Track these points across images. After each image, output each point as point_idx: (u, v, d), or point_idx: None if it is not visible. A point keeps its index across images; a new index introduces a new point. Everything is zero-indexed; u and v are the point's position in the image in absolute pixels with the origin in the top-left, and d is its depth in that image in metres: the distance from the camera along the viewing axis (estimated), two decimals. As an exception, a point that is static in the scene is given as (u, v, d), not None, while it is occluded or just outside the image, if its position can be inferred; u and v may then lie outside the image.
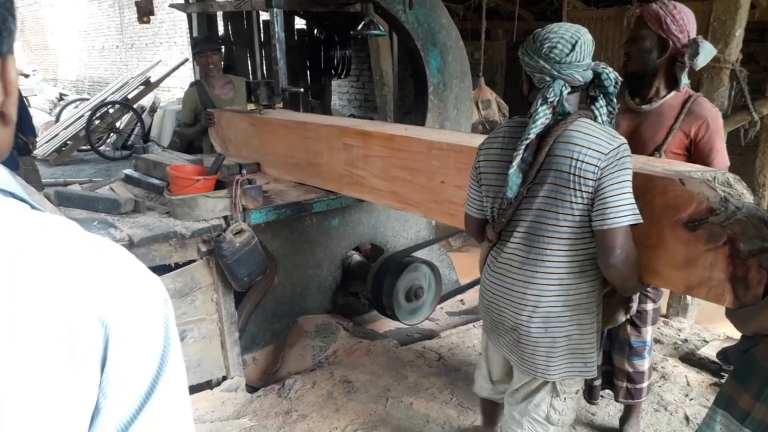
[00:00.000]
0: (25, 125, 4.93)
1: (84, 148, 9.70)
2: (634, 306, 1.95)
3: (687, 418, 2.75)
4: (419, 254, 3.64)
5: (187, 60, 8.93)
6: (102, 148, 9.69)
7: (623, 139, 1.61)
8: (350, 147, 2.92)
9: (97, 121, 9.45)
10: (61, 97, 13.40)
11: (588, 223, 1.61)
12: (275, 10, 3.36)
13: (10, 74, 0.59)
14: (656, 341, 3.46)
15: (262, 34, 5.04)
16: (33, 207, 0.59)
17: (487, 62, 7.00)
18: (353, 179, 2.96)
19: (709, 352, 3.19)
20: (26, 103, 5.23)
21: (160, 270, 2.71)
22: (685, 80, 2.22)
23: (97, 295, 0.56)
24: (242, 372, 3.00)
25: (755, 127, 3.69)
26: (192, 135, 4.41)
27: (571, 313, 1.71)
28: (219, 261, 2.75)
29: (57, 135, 9.94)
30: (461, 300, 4.14)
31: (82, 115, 9.89)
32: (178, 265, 2.76)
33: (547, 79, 1.65)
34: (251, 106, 3.73)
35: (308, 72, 7.01)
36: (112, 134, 9.98)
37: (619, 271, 1.60)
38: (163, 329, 0.61)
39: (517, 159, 1.65)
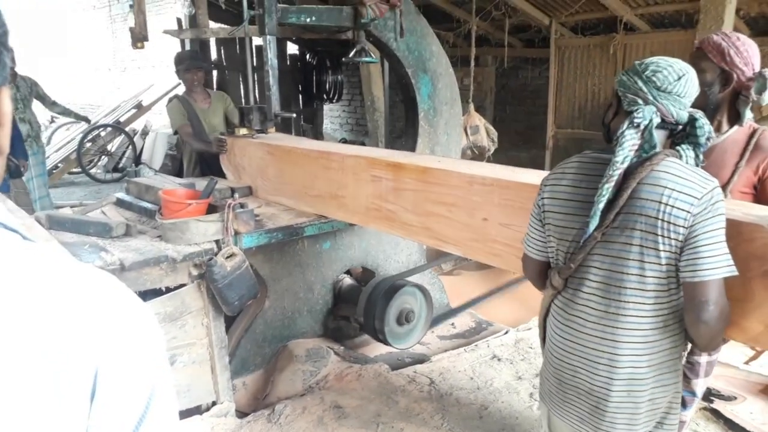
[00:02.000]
0: (16, 148, 4.93)
1: (75, 170, 9.68)
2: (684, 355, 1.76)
3: (677, 443, 2.74)
4: (411, 278, 3.65)
5: (179, 84, 8.98)
6: (93, 170, 9.68)
7: (716, 182, 1.44)
8: (379, 179, 2.73)
9: (88, 144, 9.45)
10: (53, 119, 13.40)
11: (675, 274, 1.45)
12: (268, 36, 3.42)
13: (3, 106, 0.60)
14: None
15: (254, 60, 5.11)
16: (24, 237, 0.59)
17: (477, 88, 7.12)
18: (382, 213, 2.77)
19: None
20: (18, 125, 5.22)
21: (150, 294, 2.71)
22: (748, 115, 2.08)
23: (87, 336, 0.56)
24: (232, 397, 2.98)
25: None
26: (200, 148, 4.30)
27: (654, 373, 1.52)
28: (210, 285, 2.74)
29: (48, 157, 9.91)
30: (452, 324, 4.14)
31: (74, 138, 9.89)
32: (169, 289, 2.75)
33: (640, 102, 1.50)
34: (243, 131, 3.76)
35: (300, 96, 7.10)
36: (103, 157, 9.98)
37: (710, 328, 1.42)
38: (152, 366, 0.62)
39: (605, 194, 1.45)
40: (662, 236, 1.41)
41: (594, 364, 1.54)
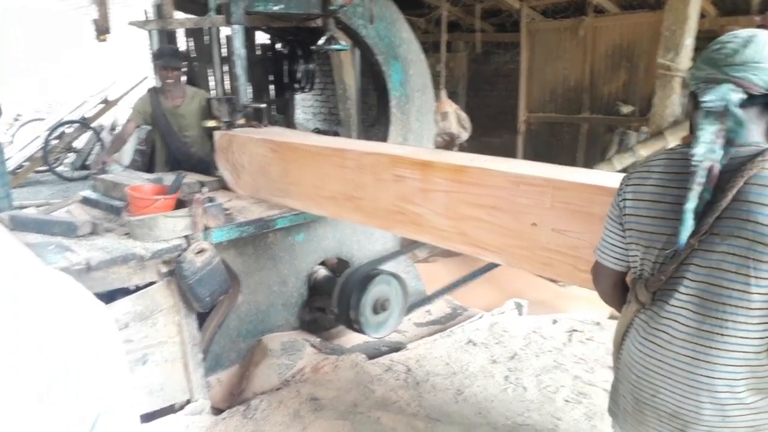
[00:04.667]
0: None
1: (41, 169, 9.46)
2: None
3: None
4: (386, 266, 3.64)
5: (146, 78, 8.80)
6: (59, 168, 9.47)
7: None
8: (403, 179, 2.48)
9: (54, 142, 9.24)
10: (17, 117, 13.07)
11: None
12: (234, 26, 3.35)
13: None
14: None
15: (223, 50, 5.01)
16: None
17: (449, 74, 7.10)
18: (407, 217, 2.52)
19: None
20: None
21: (120, 293, 2.66)
22: None
23: (50, 339, 0.56)
24: (207, 394, 2.95)
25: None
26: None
27: (756, 399, 1.32)
28: (180, 282, 2.70)
29: (11, 157, 9.67)
30: (428, 310, 4.15)
31: (38, 136, 9.66)
32: (138, 288, 2.71)
33: (712, 86, 1.30)
34: (211, 123, 3.70)
35: (272, 86, 7.01)
36: (69, 154, 9.77)
37: None
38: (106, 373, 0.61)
39: (695, 194, 1.26)
40: None
41: (681, 386, 1.36)
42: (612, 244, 1.50)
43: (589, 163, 5.00)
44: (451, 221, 2.35)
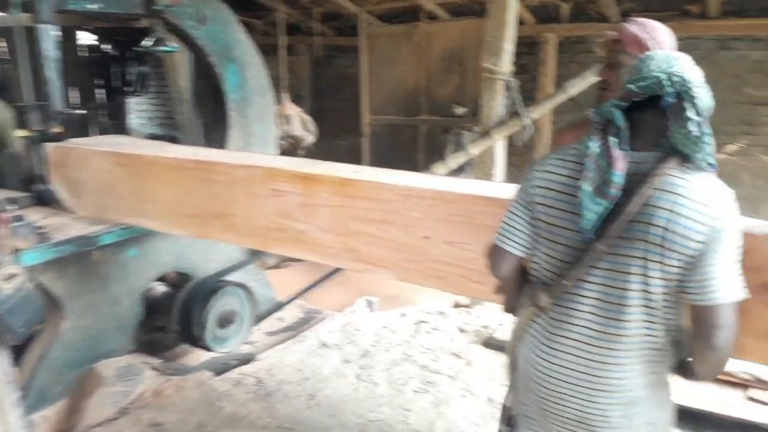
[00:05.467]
0: None
1: None
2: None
3: (490, 400, 2.98)
4: (232, 277, 3.52)
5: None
6: None
7: (730, 191, 1.30)
8: (283, 194, 2.31)
9: None
10: None
11: (677, 291, 1.29)
12: (40, 25, 3.03)
13: None
14: (460, 330, 3.74)
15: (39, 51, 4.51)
16: None
17: (293, 78, 7.05)
18: (288, 234, 2.34)
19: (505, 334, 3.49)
20: None
21: None
22: None
23: None
24: (29, 435, 2.63)
25: (530, 130, 4.13)
26: None
27: (650, 393, 1.37)
28: (-14, 313, 2.38)
29: None
30: (281, 318, 4.09)
31: None
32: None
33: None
34: (22, 133, 3.32)
35: (101, 90, 6.48)
36: None
37: (721, 355, 1.29)
38: None
39: (589, 177, 1.29)
40: (669, 249, 1.25)
41: (587, 390, 1.36)
42: (516, 229, 1.45)
43: (429, 163, 5.22)
44: (338, 237, 2.23)
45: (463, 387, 3.09)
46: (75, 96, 5.82)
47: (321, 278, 4.67)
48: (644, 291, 1.29)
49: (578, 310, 1.35)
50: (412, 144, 6.55)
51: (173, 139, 5.48)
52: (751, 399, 2.77)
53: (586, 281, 1.33)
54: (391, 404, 2.98)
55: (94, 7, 3.21)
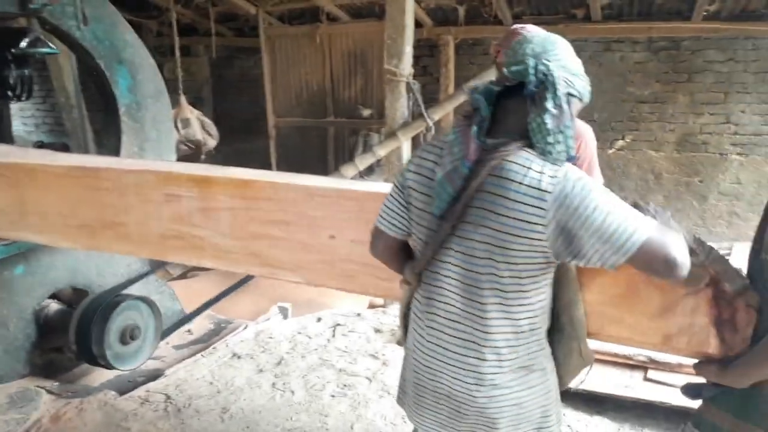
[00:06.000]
0: None
1: None
2: (584, 347, 1.53)
3: (407, 397, 3.01)
4: (133, 290, 3.32)
5: None
6: None
7: (566, 166, 1.26)
8: (178, 198, 2.18)
9: None
10: None
11: (538, 272, 1.31)
12: None
13: None
14: (376, 330, 3.76)
15: None
16: None
17: (190, 79, 6.81)
18: (185, 241, 2.21)
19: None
20: None
21: None
22: None
23: None
24: None
25: (431, 131, 4.22)
26: None
27: (519, 375, 1.39)
28: None
29: None
30: (189, 330, 3.92)
31: None
32: None
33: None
34: None
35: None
36: None
37: (684, 270, 1.23)
38: None
39: (448, 164, 1.31)
40: (509, 233, 1.25)
41: (453, 368, 1.39)
42: (391, 210, 1.47)
43: (338, 164, 5.21)
44: (239, 242, 2.12)
45: (380, 387, 3.11)
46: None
47: (231, 287, 4.53)
48: (493, 275, 1.30)
49: (444, 289, 1.38)
50: (321, 146, 6.51)
51: (63, 147, 5.12)
52: (649, 380, 2.93)
53: (445, 262, 1.37)
54: (309, 411, 2.94)
55: (-40, 5, 2.93)
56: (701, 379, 1.47)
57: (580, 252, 1.24)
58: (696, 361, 1.47)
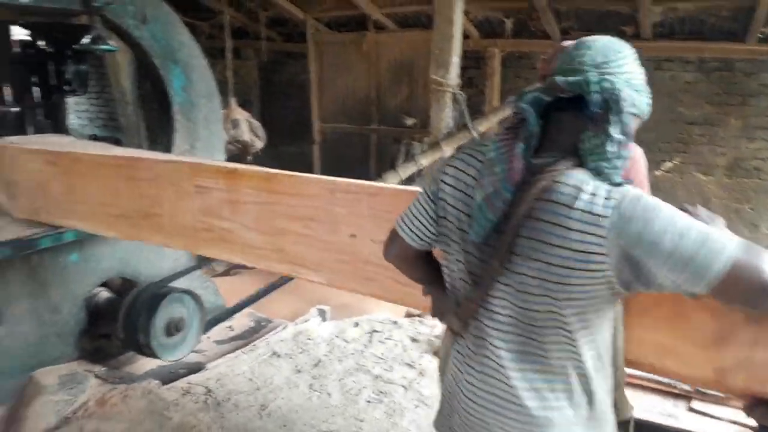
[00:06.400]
0: None
1: None
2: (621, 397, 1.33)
3: (443, 406, 3.01)
4: (178, 283, 3.41)
5: None
6: None
7: (625, 187, 1.07)
8: (207, 190, 2.18)
9: None
10: None
11: (605, 305, 1.12)
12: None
13: None
14: (413, 340, 3.77)
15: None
16: None
17: (240, 82, 6.96)
18: (215, 234, 2.22)
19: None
20: None
21: None
22: None
23: None
24: (-41, 451, 2.47)
25: (477, 142, 4.23)
26: None
27: (573, 413, 1.18)
28: None
29: None
30: (230, 326, 3.99)
31: None
32: None
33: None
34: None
35: (37, 89, 6.18)
36: None
37: None
38: None
39: (488, 185, 1.13)
40: (572, 268, 1.07)
41: (511, 422, 1.19)
42: (416, 218, 1.31)
43: (380, 172, 5.26)
44: (265, 237, 2.11)
45: (416, 397, 3.11)
46: (9, 94, 5.53)
47: (271, 285, 4.60)
48: (553, 312, 1.11)
49: (495, 329, 1.19)
50: (364, 153, 6.58)
51: (116, 141, 5.30)
52: (693, 410, 2.86)
53: (495, 297, 1.18)
54: (344, 415, 2.96)
55: (27, 0, 3.08)
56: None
57: (654, 283, 1.04)
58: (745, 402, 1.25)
